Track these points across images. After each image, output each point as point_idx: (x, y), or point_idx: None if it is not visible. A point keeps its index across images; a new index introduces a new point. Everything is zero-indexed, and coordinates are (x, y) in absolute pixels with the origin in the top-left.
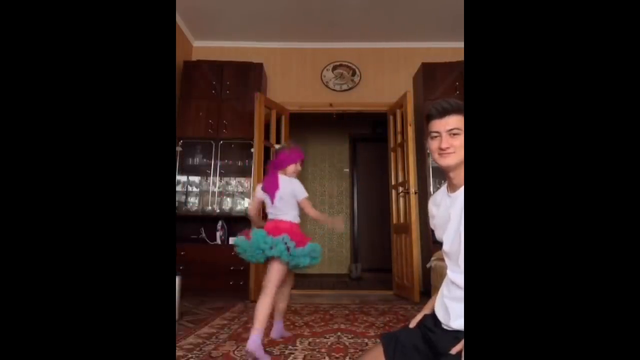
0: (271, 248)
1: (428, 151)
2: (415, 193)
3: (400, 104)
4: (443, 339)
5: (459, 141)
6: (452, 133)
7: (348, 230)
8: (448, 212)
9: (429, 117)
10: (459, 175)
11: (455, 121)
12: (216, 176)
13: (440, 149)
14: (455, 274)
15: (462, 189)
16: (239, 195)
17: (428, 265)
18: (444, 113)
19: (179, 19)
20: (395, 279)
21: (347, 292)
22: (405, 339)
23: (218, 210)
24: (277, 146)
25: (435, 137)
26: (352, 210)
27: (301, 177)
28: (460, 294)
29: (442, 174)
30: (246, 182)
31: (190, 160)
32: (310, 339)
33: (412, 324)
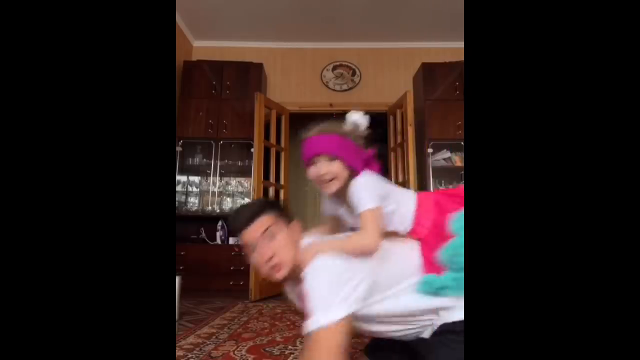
0: None
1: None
2: None
3: (400, 104)
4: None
5: (279, 242)
6: (266, 237)
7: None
8: None
9: (237, 230)
10: (295, 271)
11: (264, 222)
12: (216, 176)
13: (266, 261)
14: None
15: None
16: (239, 195)
17: None
18: (248, 220)
19: (179, 19)
20: None
21: None
22: (386, 344)
23: (218, 210)
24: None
25: (253, 249)
26: None
27: (302, 176)
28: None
29: (442, 174)
30: (246, 182)
31: (190, 160)
32: None
33: None
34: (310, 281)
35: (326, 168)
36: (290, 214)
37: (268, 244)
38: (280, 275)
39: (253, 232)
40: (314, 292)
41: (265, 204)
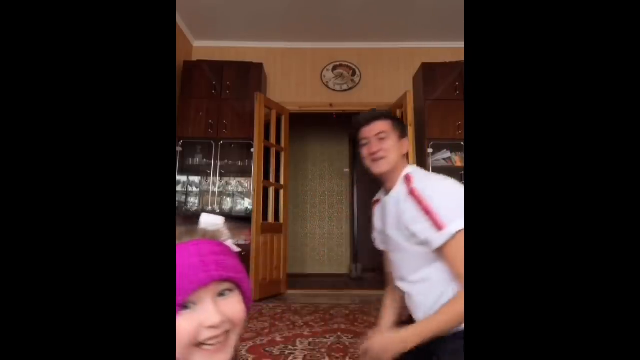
0: None
1: (364, 157)
2: None
3: (400, 104)
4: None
5: (387, 144)
6: (379, 137)
7: (348, 230)
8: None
9: (357, 127)
10: (391, 180)
11: (381, 126)
12: (216, 176)
13: (371, 153)
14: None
15: (394, 190)
16: (239, 195)
17: None
18: (370, 120)
19: (179, 19)
20: None
21: (347, 292)
22: None
23: (218, 210)
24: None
25: (365, 144)
26: (352, 210)
27: (302, 176)
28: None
29: (442, 174)
30: (246, 182)
31: (190, 160)
32: (310, 339)
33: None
34: (431, 195)
35: (378, 145)
36: (406, 133)
37: (378, 143)
38: (379, 168)
39: (369, 130)
40: (440, 204)
41: (387, 115)
